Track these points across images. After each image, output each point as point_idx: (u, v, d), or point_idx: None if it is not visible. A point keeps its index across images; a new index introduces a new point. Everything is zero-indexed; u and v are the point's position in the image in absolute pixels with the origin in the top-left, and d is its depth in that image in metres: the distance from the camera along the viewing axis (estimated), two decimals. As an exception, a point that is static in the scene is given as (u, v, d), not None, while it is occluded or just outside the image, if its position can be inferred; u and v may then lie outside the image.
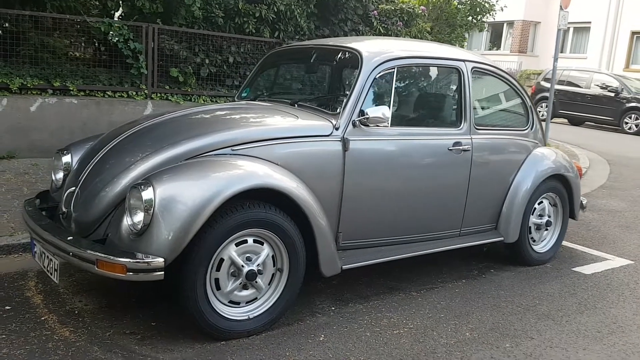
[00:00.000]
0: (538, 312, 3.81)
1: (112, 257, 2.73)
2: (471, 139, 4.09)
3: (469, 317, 3.64)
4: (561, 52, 28.59)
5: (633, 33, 25.69)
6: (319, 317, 3.47)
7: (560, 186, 4.79)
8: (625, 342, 3.47)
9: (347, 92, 3.61)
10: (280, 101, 4.02)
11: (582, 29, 27.69)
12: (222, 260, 3.00)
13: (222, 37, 7.44)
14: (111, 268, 2.73)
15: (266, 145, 3.28)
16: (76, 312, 3.30)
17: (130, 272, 2.72)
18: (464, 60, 4.13)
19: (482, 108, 4.32)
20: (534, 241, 4.74)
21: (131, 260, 2.72)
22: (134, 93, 6.88)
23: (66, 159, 3.64)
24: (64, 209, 3.22)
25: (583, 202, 5.16)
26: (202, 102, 7.36)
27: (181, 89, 7.23)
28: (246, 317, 3.13)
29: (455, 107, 4.09)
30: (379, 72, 3.63)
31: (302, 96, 4.19)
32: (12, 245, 4.13)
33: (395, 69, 3.71)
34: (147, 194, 2.80)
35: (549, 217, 4.81)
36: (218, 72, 7.52)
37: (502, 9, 12.23)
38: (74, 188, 3.23)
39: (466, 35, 11.31)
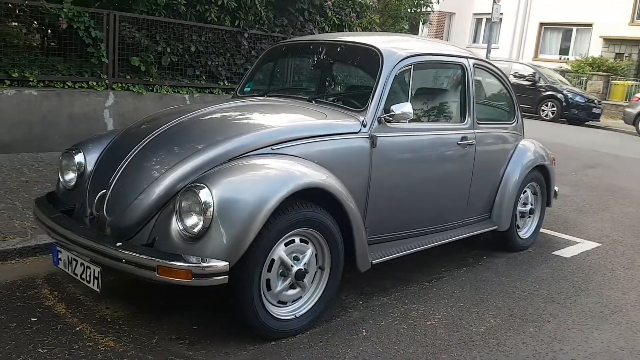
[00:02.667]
0: (542, 296, 4.05)
1: (176, 263, 2.64)
2: (475, 133, 4.26)
3: (485, 304, 3.81)
4: (474, 42, 30.02)
5: (541, 24, 27.24)
6: (351, 312, 3.52)
7: (540, 176, 5.09)
8: (628, 320, 3.77)
9: (370, 89, 3.66)
10: (294, 97, 3.99)
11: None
12: (272, 260, 2.98)
13: (183, 25, 7.21)
14: (175, 274, 2.64)
15: (303, 143, 3.27)
16: (109, 319, 3.16)
17: (196, 277, 2.64)
18: (467, 57, 4.29)
19: (479, 103, 4.49)
20: (519, 228, 5.02)
21: (197, 265, 2.64)
22: (95, 83, 6.54)
23: (79, 158, 3.45)
24: (94, 212, 3.05)
25: (556, 190, 5.50)
26: (164, 92, 7.13)
27: (142, 79, 6.95)
28: (293, 316, 3.13)
29: (460, 102, 4.23)
30: (399, 69, 3.70)
31: (317, 92, 4.15)
32: (6, 251, 3.86)
33: (413, 65, 3.79)
34: (204, 196, 2.72)
35: (532, 205, 5.11)
36: (179, 62, 7.29)
37: (437, 2, 12.61)
38: (105, 191, 3.07)
39: (406, 27, 11.57)
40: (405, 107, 3.54)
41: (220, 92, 7.74)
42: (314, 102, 3.83)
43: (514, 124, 4.87)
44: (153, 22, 6.96)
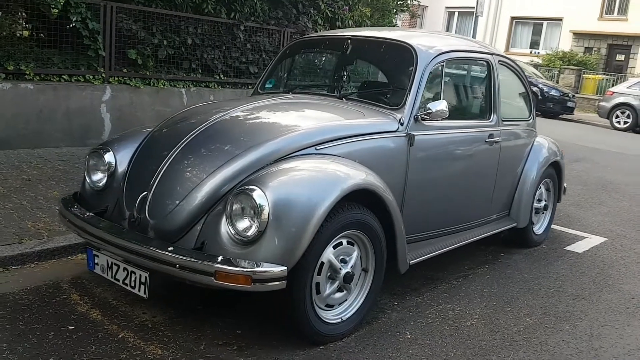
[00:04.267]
0: (567, 292, 4.08)
1: (236, 269, 2.54)
2: (500, 130, 4.25)
3: (517, 302, 3.81)
4: (446, 34, 30.24)
5: (512, 18, 27.60)
6: (389, 313, 3.47)
7: (554, 172, 5.13)
8: (654, 315, 3.83)
9: (402, 87, 3.61)
10: (322, 95, 3.91)
11: (467, 14, 29.24)
12: (322, 263, 2.91)
13: (179, 17, 7.03)
14: (234, 280, 2.54)
15: (345, 143, 3.20)
16: (149, 325, 3.05)
17: (256, 282, 2.56)
18: (492, 54, 4.27)
19: (503, 100, 4.48)
20: (534, 224, 5.05)
21: (257, 271, 2.56)
22: (92, 77, 6.32)
23: (109, 158, 3.31)
24: (135, 215, 2.93)
25: (564, 186, 5.55)
26: (161, 86, 6.94)
27: (139, 72, 6.75)
28: (340, 320, 3.07)
29: (486, 99, 4.22)
30: (433, 66, 3.65)
31: (346, 89, 4.07)
32: (25, 255, 3.69)
33: (445, 62, 3.76)
34: (259, 199, 2.63)
35: (545, 201, 5.14)
36: (175, 55, 7.11)
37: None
38: (145, 192, 2.94)
39: (394, 20, 11.53)
40: (441, 105, 3.50)
41: (216, 86, 7.58)
42: (344, 99, 3.76)
43: (531, 121, 4.89)
44: (150, 14, 6.76)
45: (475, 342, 3.22)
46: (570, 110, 18.33)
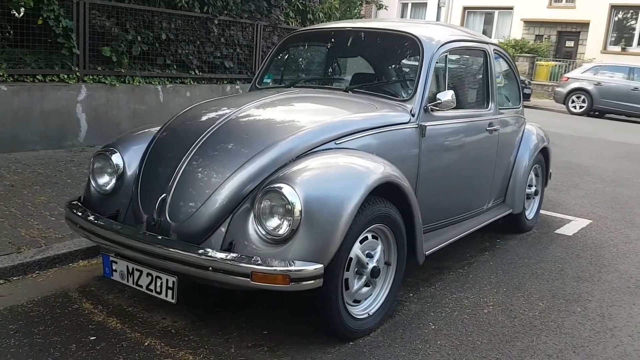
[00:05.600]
0: (569, 275, 4.17)
1: (274, 268, 2.48)
2: (497, 118, 4.29)
3: (525, 288, 3.87)
4: (400, 25, 30.49)
5: (465, 8, 28.04)
6: (407, 305, 3.47)
7: (542, 158, 5.23)
8: (655, 293, 3.96)
9: (409, 78, 3.62)
10: (327, 88, 3.87)
11: (420, 4, 29.62)
12: (350, 259, 2.88)
13: (152, 12, 6.84)
14: (272, 280, 2.49)
15: (363, 136, 3.18)
16: (172, 330, 2.96)
17: (294, 282, 2.50)
18: (488, 43, 4.30)
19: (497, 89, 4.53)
20: (525, 210, 5.13)
21: (295, 269, 2.50)
22: (66, 76, 6.08)
23: (116, 160, 3.19)
24: (155, 218, 2.82)
25: (550, 171, 5.67)
26: (137, 84, 6.75)
27: (114, 70, 6.54)
28: (366, 315, 3.05)
29: (484, 88, 4.25)
30: (438, 57, 3.66)
31: (350, 82, 4.01)
32: (25, 264, 3.53)
33: (448, 53, 3.77)
34: (290, 196, 2.58)
35: (535, 186, 5.24)
36: (150, 51, 6.92)
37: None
38: (165, 195, 2.84)
39: (362, 12, 11.54)
40: (449, 95, 3.51)
41: (192, 82, 7.42)
42: (349, 92, 3.72)
43: (520, 108, 4.97)
44: (123, 10, 6.56)
45: (497, 329, 3.25)
46: (527, 97, 18.72)
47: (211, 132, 3.02)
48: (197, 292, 3.37)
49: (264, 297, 3.32)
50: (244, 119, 3.14)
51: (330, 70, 4.21)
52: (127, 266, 2.85)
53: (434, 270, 4.03)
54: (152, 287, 2.78)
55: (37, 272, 3.56)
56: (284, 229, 2.60)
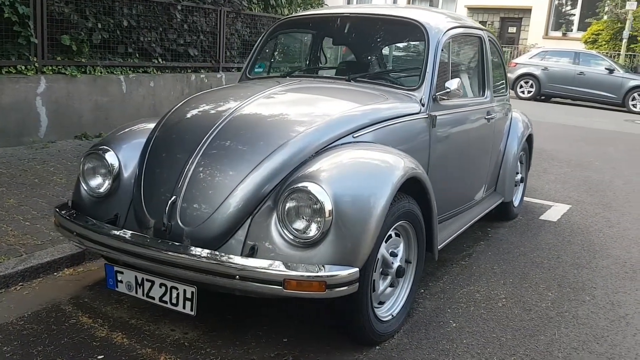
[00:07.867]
0: (568, 262, 4.17)
1: (309, 274, 2.30)
2: (493, 106, 4.22)
3: (531, 279, 3.82)
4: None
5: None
6: (422, 302, 3.36)
7: (527, 145, 5.22)
8: (653, 277, 4.00)
9: (414, 66, 3.49)
10: (328, 77, 3.68)
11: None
12: (377, 259, 2.72)
13: (112, -3, 6.43)
14: (307, 287, 2.30)
15: (378, 128, 3.03)
16: (185, 343, 2.73)
17: (329, 288, 2.33)
18: (482, 29, 4.21)
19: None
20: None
21: (330, 275, 2.33)
22: (24, 67, 5.64)
23: (111, 159, 2.91)
24: (166, 223, 2.58)
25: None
26: (99, 74, 6.35)
27: (74, 60, 6.12)
28: (390, 316, 2.91)
29: (481, 76, 4.16)
30: (443, 44, 3.53)
31: (352, 71, 3.81)
32: (7, 276, 3.21)
33: (451, 40, 3.65)
34: (320, 195, 2.39)
35: (520, 173, 5.23)
36: (110, 39, 6.51)
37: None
38: (174, 197, 2.60)
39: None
40: (456, 83, 3.39)
41: (155, 70, 7.06)
42: (352, 81, 3.55)
43: (507, 95, 4.92)
44: (81, -5, 6.13)
45: (517, 323, 3.18)
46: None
47: (219, 128, 2.79)
48: (200, 299, 3.13)
49: (270, 302, 3.12)
50: (253, 113, 2.92)
51: (324, 58, 4.01)
52: (136, 277, 2.60)
53: (436, 264, 3.93)
54: (166, 298, 2.54)
55: (20, 283, 3.25)
56: (313, 231, 2.42)
